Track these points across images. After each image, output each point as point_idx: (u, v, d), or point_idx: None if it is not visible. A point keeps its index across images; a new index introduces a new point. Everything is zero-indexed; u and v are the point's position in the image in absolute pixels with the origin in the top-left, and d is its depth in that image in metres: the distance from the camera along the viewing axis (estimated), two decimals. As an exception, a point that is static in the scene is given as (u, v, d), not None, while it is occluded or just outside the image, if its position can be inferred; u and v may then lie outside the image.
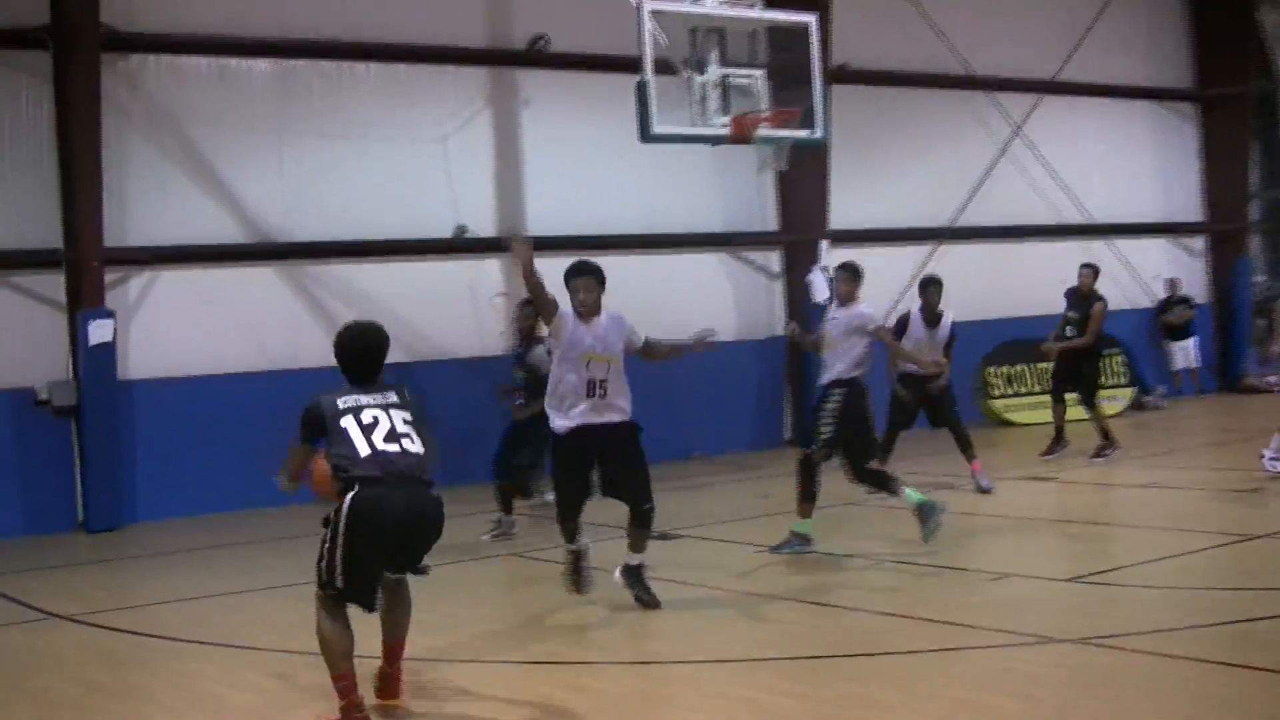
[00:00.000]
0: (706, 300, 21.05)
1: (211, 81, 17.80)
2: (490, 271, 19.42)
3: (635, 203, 20.55)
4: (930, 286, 16.11)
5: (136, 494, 16.98)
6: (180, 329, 17.44)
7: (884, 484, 12.59)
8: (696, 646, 9.60)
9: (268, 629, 10.69)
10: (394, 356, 18.11)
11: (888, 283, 22.67)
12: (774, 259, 22.16)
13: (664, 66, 14.94)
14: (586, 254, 19.47)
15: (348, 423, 8.24)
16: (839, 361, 12.64)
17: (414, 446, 8.19)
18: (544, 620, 10.65)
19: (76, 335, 16.53)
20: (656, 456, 11.39)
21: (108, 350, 16.48)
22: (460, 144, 19.24)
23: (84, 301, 16.52)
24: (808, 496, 12.59)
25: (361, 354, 8.65)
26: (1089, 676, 8.39)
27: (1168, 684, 8.14)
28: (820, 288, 21.06)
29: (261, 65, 18.11)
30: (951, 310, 16.20)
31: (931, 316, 16.03)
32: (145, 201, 17.29)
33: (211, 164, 17.72)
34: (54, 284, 16.77)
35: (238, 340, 17.61)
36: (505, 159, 19.72)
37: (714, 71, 15.44)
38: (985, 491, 15.42)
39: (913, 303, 22.25)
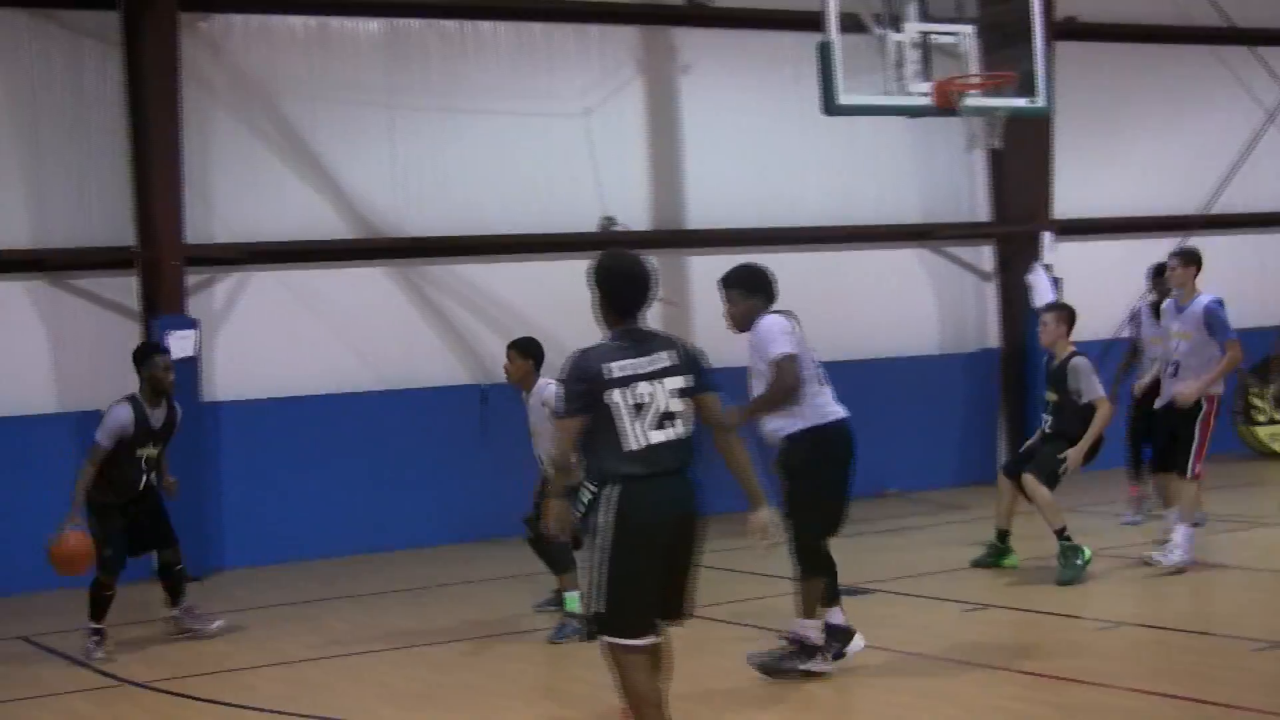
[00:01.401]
0: (903, 304, 21.01)
1: (309, 46, 18.11)
2: (643, 271, 19.52)
3: (816, 188, 20.55)
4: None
5: (224, 536, 17.32)
6: (275, 340, 17.78)
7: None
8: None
9: (388, 701, 10.85)
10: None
11: (1125, 282, 22.47)
12: (985, 255, 22.04)
13: (852, 23, 14.97)
14: (756, 250, 19.90)
15: (617, 399, 7.82)
16: None
17: (683, 430, 7.88)
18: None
19: (153, 349, 16.84)
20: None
21: (189, 366, 16.73)
22: (607, 119, 19.37)
23: (161, 308, 16.89)
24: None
25: (631, 283, 8.16)
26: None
27: None
28: (1044, 289, 20.89)
29: (370, 26, 18.40)
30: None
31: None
32: (232, 190, 17.63)
33: (310, 145, 18.03)
34: (126, 288, 17.16)
35: (342, 354, 17.88)
36: (660, 137, 19.82)
37: (913, 29, 15.46)
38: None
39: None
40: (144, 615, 14.82)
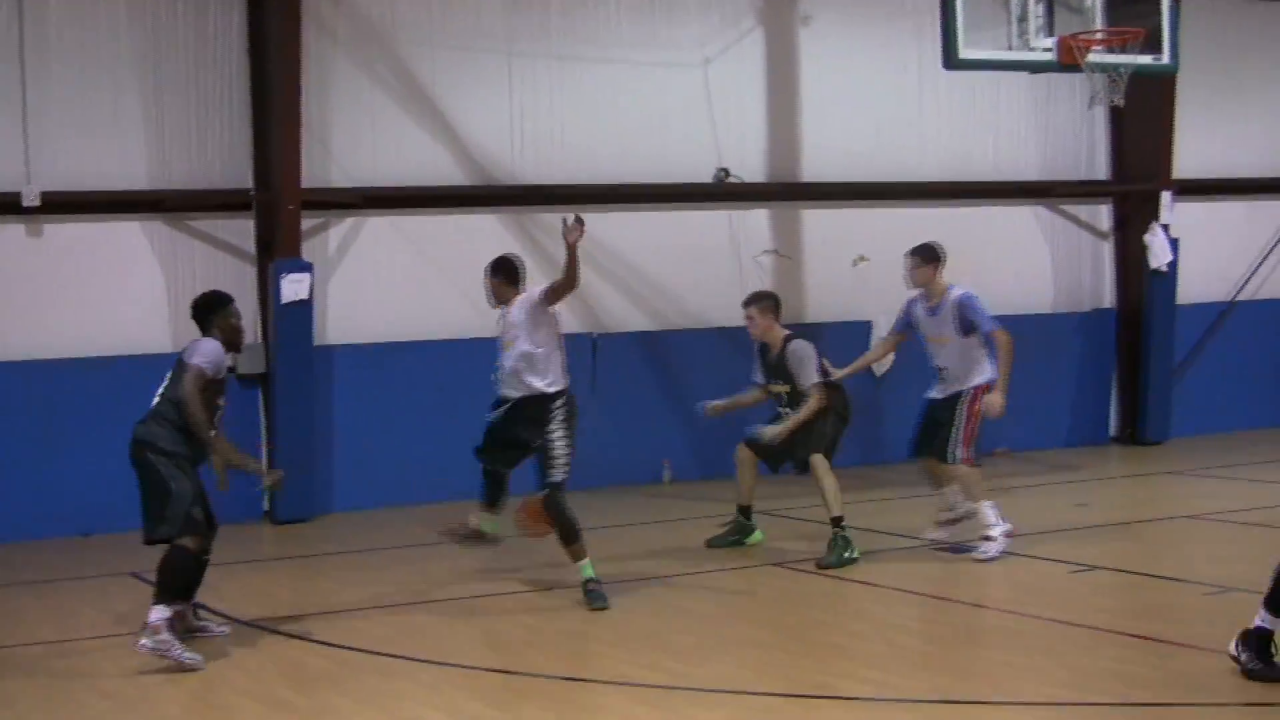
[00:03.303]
0: (1019, 261, 20.81)
1: (431, -8, 18.11)
2: (758, 224, 19.44)
3: (933, 144, 20.35)
4: None
5: (334, 479, 17.40)
6: (389, 286, 17.80)
7: None
8: (1013, 684, 9.57)
9: (489, 646, 10.88)
10: (639, 324, 18.47)
11: (1247, 243, 22.19)
12: (1103, 214, 21.76)
13: (976, -24, 14.78)
14: (875, 204, 19.73)
15: None
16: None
17: None
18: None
19: (268, 290, 16.95)
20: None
21: (304, 309, 16.85)
22: (725, 70, 19.24)
23: (277, 251, 16.93)
24: None
25: None
26: None
27: None
28: (1162, 250, 20.63)
29: (490, -28, 18.36)
30: None
31: None
32: (350, 134, 17.64)
33: (428, 91, 18.01)
34: (242, 230, 17.22)
35: (457, 300, 17.86)
36: (779, 89, 19.66)
37: (1037, -19, 15.25)
38: None
39: (1276, 264, 21.67)
40: (252, 556, 14.94)
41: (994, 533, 13.48)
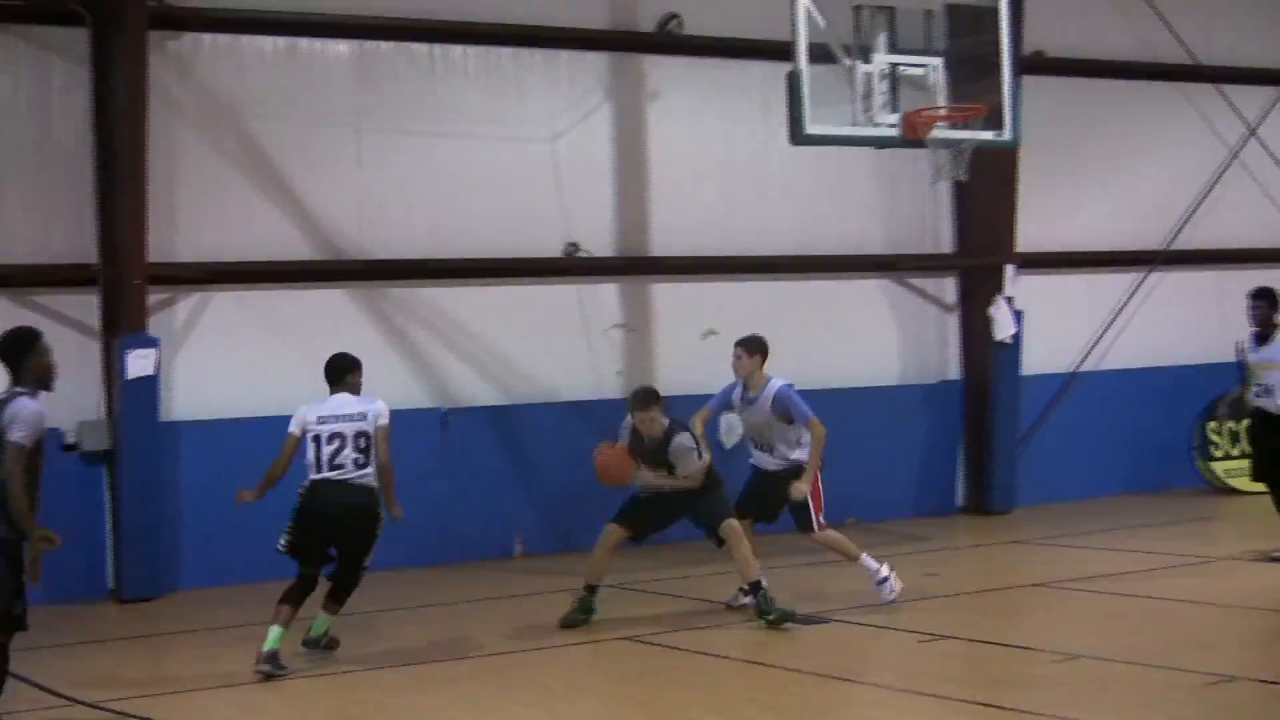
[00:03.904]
0: (866, 334, 20.97)
1: (278, 66, 17.98)
2: (608, 298, 19.44)
3: (781, 219, 20.44)
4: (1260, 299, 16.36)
5: (181, 557, 17.14)
6: (236, 361, 17.60)
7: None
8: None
9: (335, 724, 10.75)
10: (489, 399, 18.45)
11: (1086, 314, 22.49)
12: (948, 287, 21.99)
13: (821, 53, 14.91)
14: (724, 277, 19.80)
15: None
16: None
17: None
18: None
19: (112, 367, 16.73)
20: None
21: (150, 385, 16.66)
22: (574, 144, 19.28)
23: (122, 327, 16.71)
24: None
25: None
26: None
27: None
28: (1006, 322, 20.88)
29: (338, 48, 18.27)
30: None
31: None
32: (197, 209, 17.47)
33: (276, 166, 17.90)
34: (87, 306, 16.97)
35: (304, 376, 17.59)
36: (627, 164, 19.73)
37: (881, 60, 15.40)
38: None
39: (1118, 335, 22.04)
40: (96, 635, 14.70)
41: (884, 572, 14.23)
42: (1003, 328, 20.95)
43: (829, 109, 15.54)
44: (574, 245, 19.01)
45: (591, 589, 14.13)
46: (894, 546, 18.09)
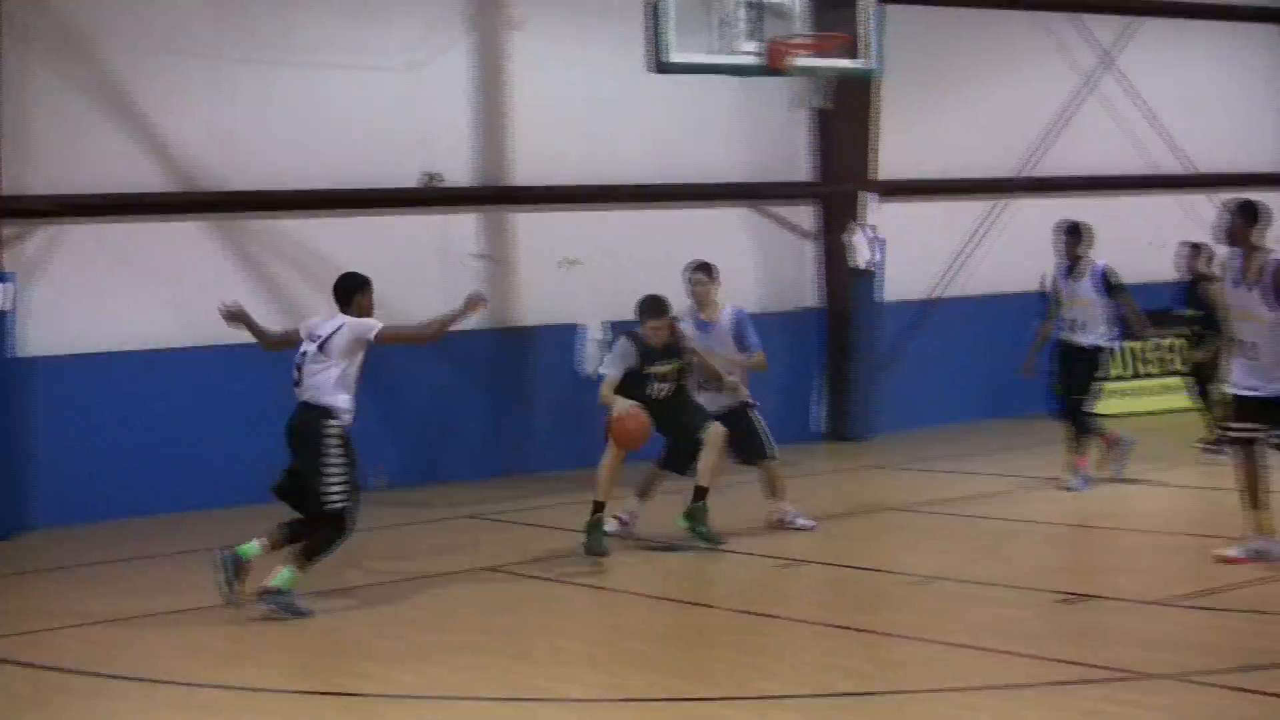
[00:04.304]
0: (725, 263, 20.87)
1: (133, -4, 17.78)
2: (466, 228, 19.38)
3: (643, 147, 20.46)
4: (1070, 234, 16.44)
5: (36, 495, 16.92)
6: (91, 296, 17.37)
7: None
8: (732, 679, 9.64)
9: (196, 660, 10.67)
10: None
11: (945, 242, 22.70)
12: (809, 215, 22.10)
13: (682, -19, 14.90)
14: (584, 207, 19.79)
15: None
16: None
17: None
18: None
19: (-36, 303, 16.50)
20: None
21: (3, 320, 16.44)
22: (434, 74, 19.15)
23: (-25, 261, 16.50)
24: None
25: None
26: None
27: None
28: (864, 249, 21.04)
29: (194, -23, 18.07)
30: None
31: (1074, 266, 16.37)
32: (50, 141, 17.20)
33: (131, 97, 17.65)
34: (-60, 240, 16.76)
35: (161, 310, 17.59)
36: (488, 93, 19.63)
37: (742, -12, 15.43)
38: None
39: (975, 262, 22.28)
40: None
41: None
42: (861, 255, 21.12)
43: (690, 37, 15.58)
44: (434, 175, 18.93)
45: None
46: (752, 472, 18.21)
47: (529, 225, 19.73)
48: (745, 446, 14.41)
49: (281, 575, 11.70)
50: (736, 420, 14.21)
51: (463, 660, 10.48)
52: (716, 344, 14.33)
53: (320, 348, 12.02)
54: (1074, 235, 16.36)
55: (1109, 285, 16.15)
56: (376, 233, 18.80)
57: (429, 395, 18.33)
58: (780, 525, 14.53)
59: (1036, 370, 16.58)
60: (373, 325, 12.03)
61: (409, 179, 18.89)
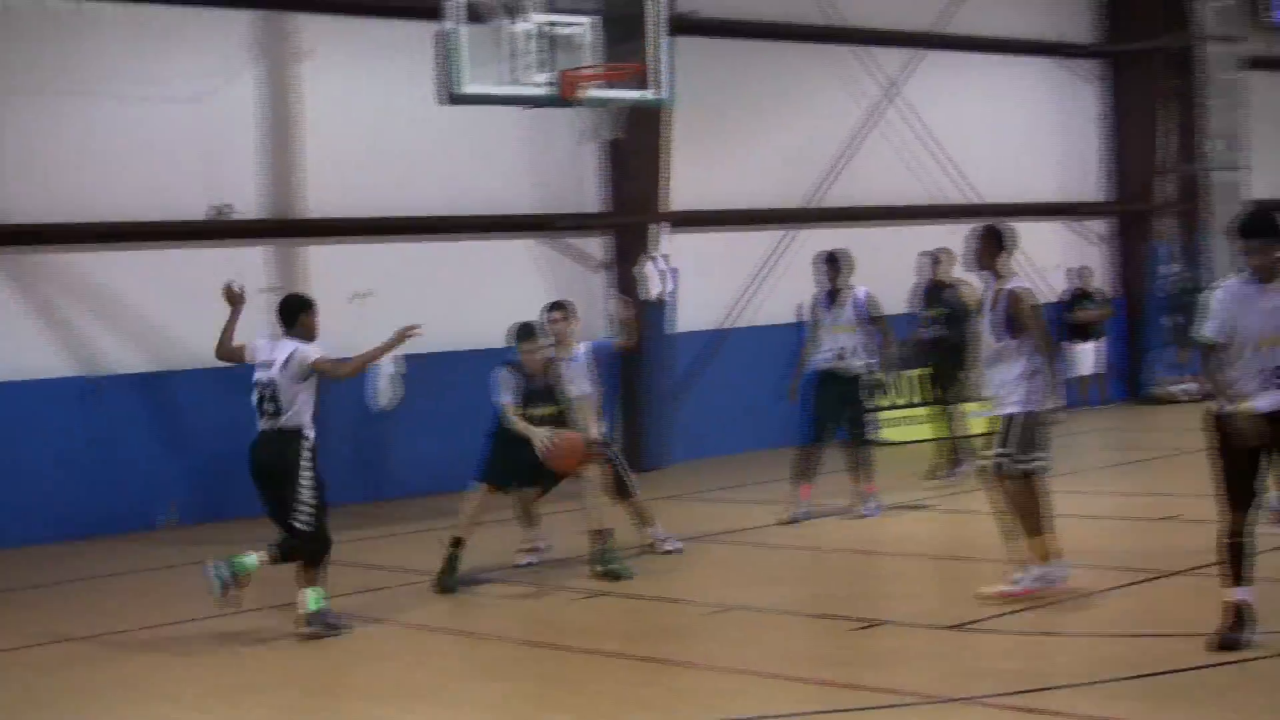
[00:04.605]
0: (517, 294, 20.94)
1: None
2: (257, 260, 19.18)
3: (435, 178, 20.42)
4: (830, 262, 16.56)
5: None
6: None
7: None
8: (522, 713, 9.58)
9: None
10: (139, 365, 18.06)
11: (735, 272, 22.90)
12: (600, 246, 22.17)
13: (473, 13, 14.92)
14: (375, 239, 19.70)
15: None
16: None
17: None
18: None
19: None
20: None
21: None
22: (222, 105, 18.98)
23: None
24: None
25: None
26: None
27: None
28: (655, 280, 21.17)
29: (-27, 6, 17.76)
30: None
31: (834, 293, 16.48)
32: None
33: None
34: None
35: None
36: (277, 124, 19.49)
37: (533, 19, 15.47)
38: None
39: (765, 292, 22.51)
40: None
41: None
42: (653, 286, 21.24)
43: (481, 68, 15.63)
44: (222, 206, 18.73)
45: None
46: (550, 505, 18.22)
47: (320, 258, 19.59)
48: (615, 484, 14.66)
49: (308, 598, 11.94)
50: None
51: (254, 700, 10.35)
52: (578, 379, 14.42)
53: (283, 374, 12.09)
54: (833, 264, 16.52)
55: (870, 313, 16.42)
56: (165, 266, 18.57)
57: (217, 431, 18.12)
58: (654, 550, 14.81)
59: (799, 397, 16.71)
60: (310, 355, 12.11)
61: (197, 211, 18.68)
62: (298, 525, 11.95)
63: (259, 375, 12.19)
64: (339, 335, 19.20)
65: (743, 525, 16.33)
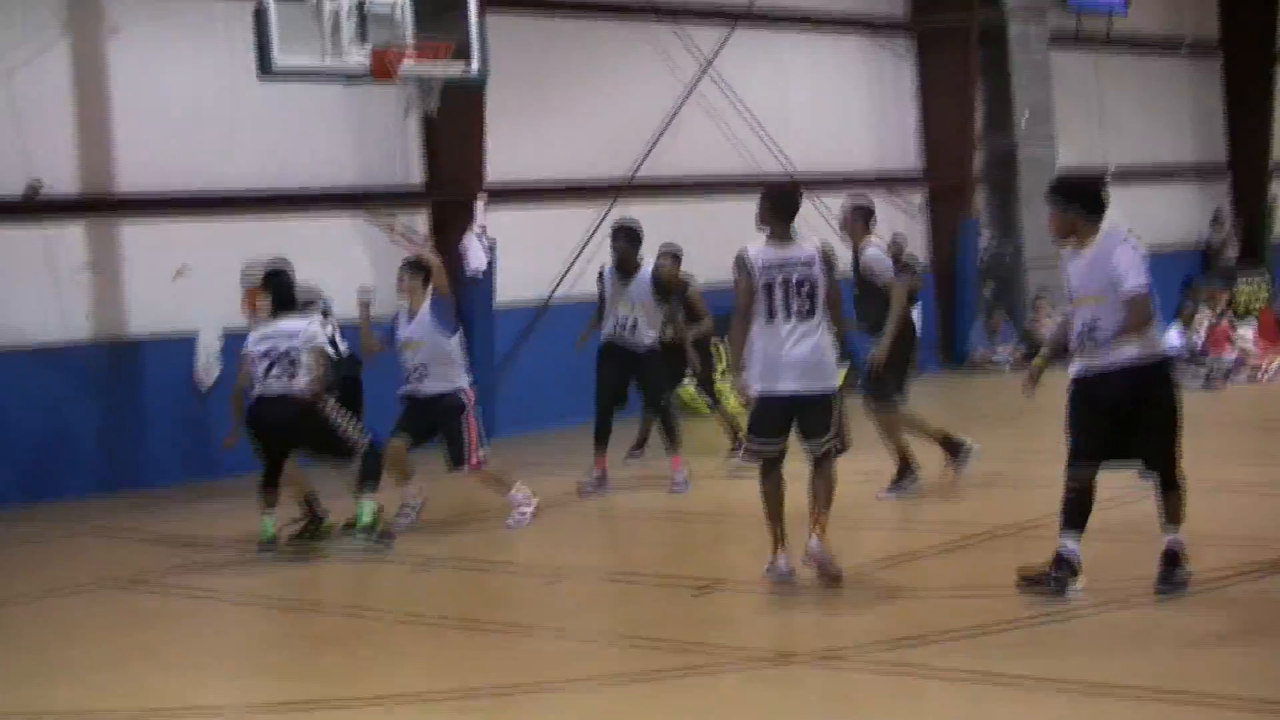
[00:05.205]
0: (336, 272, 20.91)
1: None
2: (72, 239, 18.95)
3: (253, 154, 20.21)
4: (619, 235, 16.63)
5: None
6: None
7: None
8: (360, 683, 9.68)
9: None
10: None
11: (556, 247, 22.99)
12: (419, 221, 22.15)
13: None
14: (193, 216, 19.55)
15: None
16: None
17: None
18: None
19: None
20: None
21: None
22: (31, 80, 18.64)
23: None
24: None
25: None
26: (832, 701, 8.79)
27: (904, 705, 8.63)
28: (477, 255, 21.21)
29: None
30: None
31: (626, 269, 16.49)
32: None
33: None
34: None
35: None
36: (89, 100, 19.20)
37: (348, -5, 15.49)
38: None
39: (587, 266, 22.68)
40: None
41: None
42: (474, 261, 21.27)
43: (298, 44, 15.62)
44: (36, 184, 18.42)
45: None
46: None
47: (136, 235, 19.39)
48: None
49: (364, 511, 13.79)
50: (449, 424, 14.72)
51: (80, 679, 10.29)
52: (420, 334, 14.56)
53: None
54: (624, 237, 16.58)
55: (658, 287, 16.56)
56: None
57: (36, 411, 17.91)
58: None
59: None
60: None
61: (11, 188, 18.39)
62: (355, 451, 13.95)
63: (279, 345, 14.17)
64: (162, 311, 19.15)
65: (561, 497, 16.33)
